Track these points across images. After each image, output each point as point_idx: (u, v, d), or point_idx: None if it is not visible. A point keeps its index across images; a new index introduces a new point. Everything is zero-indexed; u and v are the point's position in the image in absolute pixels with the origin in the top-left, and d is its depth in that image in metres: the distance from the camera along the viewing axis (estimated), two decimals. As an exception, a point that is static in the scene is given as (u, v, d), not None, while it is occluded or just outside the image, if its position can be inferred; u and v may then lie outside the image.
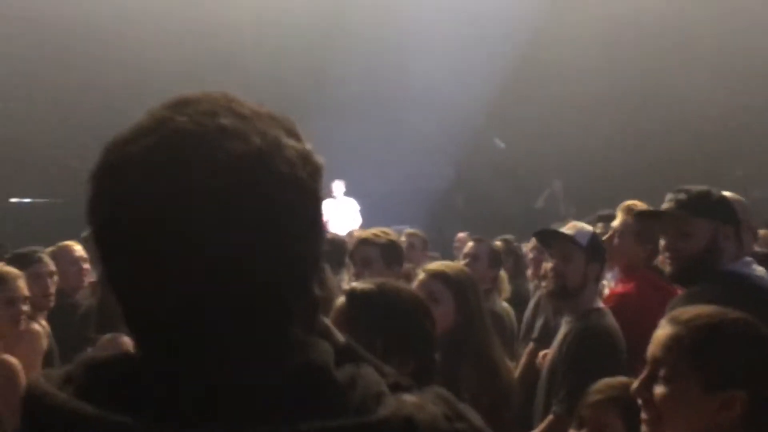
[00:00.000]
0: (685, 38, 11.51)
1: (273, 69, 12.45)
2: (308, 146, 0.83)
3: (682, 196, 2.61)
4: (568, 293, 3.10)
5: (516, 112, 12.83)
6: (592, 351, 2.87)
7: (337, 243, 4.53)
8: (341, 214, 12.19)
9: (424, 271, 2.85)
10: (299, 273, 0.80)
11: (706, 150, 12.17)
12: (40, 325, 3.68)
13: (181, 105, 0.79)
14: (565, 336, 3.02)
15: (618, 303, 3.27)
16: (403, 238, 5.35)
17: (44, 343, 3.61)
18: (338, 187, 12.07)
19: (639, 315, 3.07)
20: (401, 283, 2.06)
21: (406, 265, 3.92)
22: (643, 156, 12.54)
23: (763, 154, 12.06)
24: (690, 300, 2.32)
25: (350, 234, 7.28)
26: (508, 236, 5.78)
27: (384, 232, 3.56)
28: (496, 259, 4.36)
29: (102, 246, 0.79)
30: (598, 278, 3.21)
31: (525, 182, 13.55)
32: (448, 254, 8.16)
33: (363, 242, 3.49)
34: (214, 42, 11.77)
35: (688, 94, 11.75)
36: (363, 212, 12.43)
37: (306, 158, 0.81)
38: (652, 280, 3.41)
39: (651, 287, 3.36)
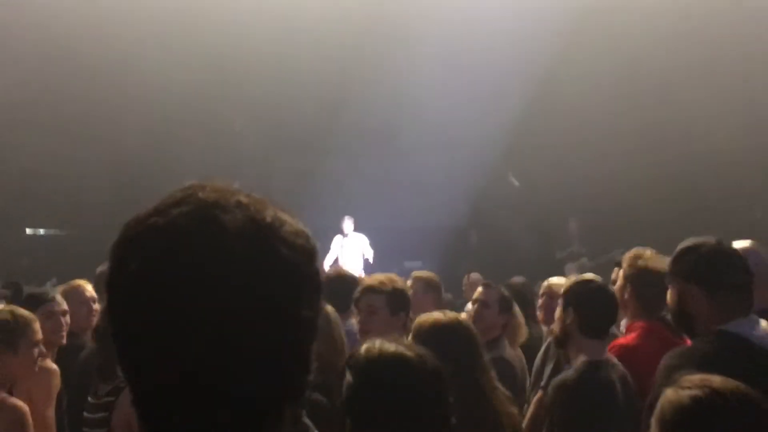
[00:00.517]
0: (705, 72, 11.49)
1: (290, 103, 12.55)
2: (305, 227, 0.91)
3: (676, 250, 2.60)
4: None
5: (531, 150, 12.83)
6: (580, 405, 2.83)
7: (348, 282, 4.43)
8: (352, 250, 12.17)
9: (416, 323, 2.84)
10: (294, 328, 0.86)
11: (725, 188, 12.07)
12: (53, 363, 3.75)
13: (197, 187, 0.88)
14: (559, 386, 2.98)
15: (617, 354, 3.21)
16: (409, 282, 5.29)
17: (58, 382, 3.69)
18: (348, 223, 12.07)
19: (638, 366, 3.05)
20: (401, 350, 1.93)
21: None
22: (661, 195, 12.44)
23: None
24: (680, 358, 2.31)
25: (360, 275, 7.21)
26: (520, 278, 5.67)
27: (390, 279, 3.51)
28: (506, 305, 4.22)
29: (118, 302, 0.84)
30: None
31: (540, 220, 13.48)
32: (460, 290, 8.06)
33: (368, 290, 3.44)
34: (228, 76, 11.87)
35: (706, 130, 11.69)
36: (376, 248, 12.41)
37: (305, 233, 0.91)
38: (656, 330, 3.35)
39: (653, 338, 3.31)
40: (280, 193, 14.66)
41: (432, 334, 2.66)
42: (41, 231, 12.02)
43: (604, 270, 5.33)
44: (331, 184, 13.14)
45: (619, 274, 3.62)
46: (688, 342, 3.28)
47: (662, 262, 3.48)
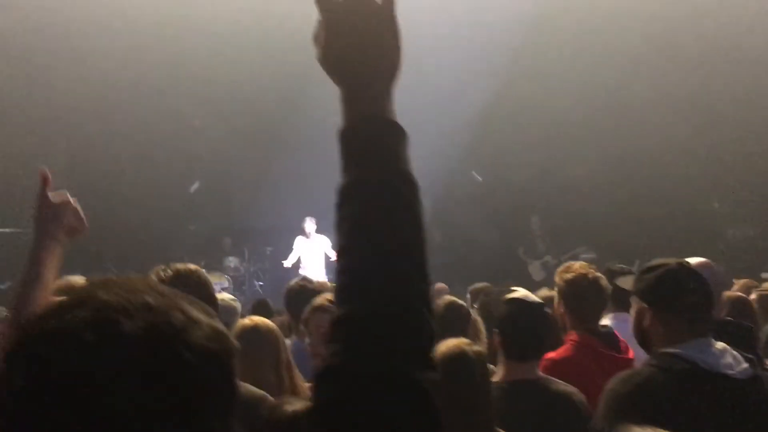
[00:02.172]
0: (663, 72, 11.61)
1: (251, 97, 12.37)
2: (221, 326, 0.84)
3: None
4: None
5: (493, 146, 12.84)
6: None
7: (310, 295, 4.17)
8: (315, 252, 12.04)
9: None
10: None
11: (686, 185, 12.24)
12: None
13: (102, 285, 0.81)
14: None
15: (547, 367, 3.17)
16: None
17: None
18: (310, 224, 11.93)
19: (570, 379, 3.02)
20: None
21: None
22: (624, 192, 12.57)
23: (741, 191, 12.17)
24: (624, 383, 2.30)
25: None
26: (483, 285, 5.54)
27: None
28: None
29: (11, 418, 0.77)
30: None
31: (502, 217, 13.52)
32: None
33: (318, 309, 3.23)
34: (188, 71, 11.66)
35: (669, 129, 11.83)
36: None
37: (220, 333, 0.83)
38: (587, 342, 3.36)
39: (584, 350, 3.32)
40: (240, 192, 14.54)
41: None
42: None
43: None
44: (292, 183, 13.00)
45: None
46: (615, 355, 3.34)
47: (589, 273, 3.53)
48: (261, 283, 14.24)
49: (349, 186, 1.05)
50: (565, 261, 11.71)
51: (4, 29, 10.52)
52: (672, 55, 11.40)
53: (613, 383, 2.35)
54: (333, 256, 11.77)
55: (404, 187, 1.05)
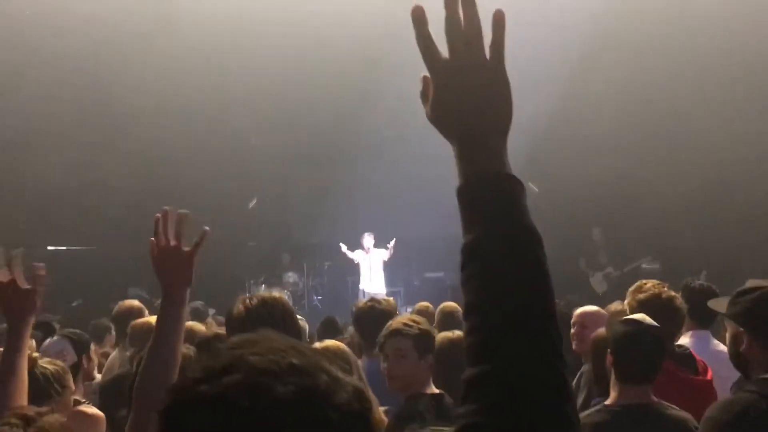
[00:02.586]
0: (713, 80, 11.33)
1: (305, 117, 12.53)
2: (359, 383, 0.86)
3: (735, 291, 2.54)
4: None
5: (553, 157, 12.69)
6: None
7: (381, 316, 4.27)
8: (375, 267, 12.13)
9: None
10: None
11: (754, 192, 11.85)
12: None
13: (246, 346, 0.83)
14: None
15: None
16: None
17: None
18: (368, 239, 12.03)
19: None
20: None
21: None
22: (687, 200, 12.25)
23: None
24: (721, 411, 2.24)
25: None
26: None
27: (414, 321, 3.38)
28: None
29: None
30: None
31: (562, 228, 13.31)
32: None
33: (395, 333, 3.29)
34: (243, 91, 11.89)
35: (734, 137, 11.50)
36: (397, 260, 12.33)
37: (360, 392, 0.84)
38: (665, 366, 3.21)
39: (661, 374, 3.17)
40: (297, 207, 14.72)
41: None
42: (62, 247, 12.09)
43: (631, 280, 5.20)
44: (349, 197, 13.10)
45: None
46: (692, 377, 3.25)
47: (663, 292, 3.48)
48: (320, 297, 14.37)
49: (473, 244, 1.05)
50: (628, 272, 11.55)
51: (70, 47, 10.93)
52: (737, 64, 11.11)
53: (711, 411, 2.29)
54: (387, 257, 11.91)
55: (530, 243, 1.04)
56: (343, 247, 12.11)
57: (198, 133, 12.37)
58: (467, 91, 1.09)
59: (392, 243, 11.88)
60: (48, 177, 11.62)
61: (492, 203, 1.06)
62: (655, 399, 2.86)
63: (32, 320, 2.15)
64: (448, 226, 14.90)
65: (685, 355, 3.41)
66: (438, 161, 12.46)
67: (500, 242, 1.03)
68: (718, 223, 12.12)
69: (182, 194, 12.79)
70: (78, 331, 4.22)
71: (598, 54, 11.10)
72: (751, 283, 2.49)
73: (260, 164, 13.63)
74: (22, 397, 2.08)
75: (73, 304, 11.83)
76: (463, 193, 1.09)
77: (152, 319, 4.27)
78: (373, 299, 5.09)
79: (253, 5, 11.00)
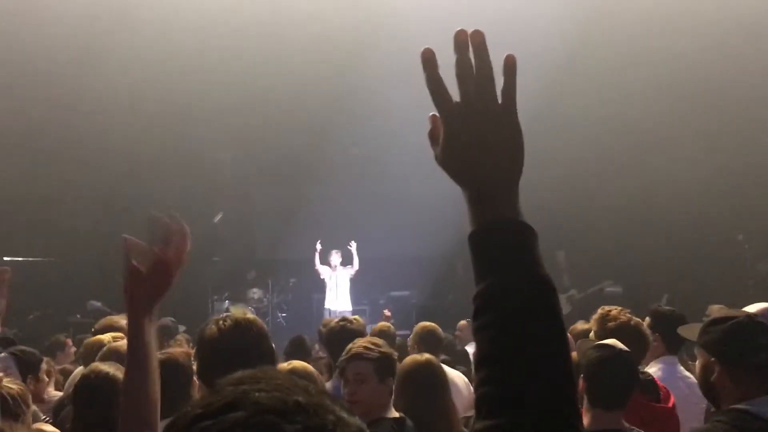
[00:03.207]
0: (691, 106, 11.58)
1: (273, 132, 12.49)
2: (362, 423, 0.83)
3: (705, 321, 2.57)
4: None
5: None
6: None
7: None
8: (342, 284, 12.09)
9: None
10: None
11: (711, 217, 12.09)
12: None
13: (250, 381, 0.80)
14: None
15: None
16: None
17: None
18: (335, 257, 12.00)
19: None
20: None
21: None
22: (647, 225, 12.45)
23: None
24: None
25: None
26: None
27: (374, 344, 3.35)
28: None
29: None
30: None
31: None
32: (447, 322, 7.94)
33: (355, 357, 3.28)
34: (207, 97, 11.80)
35: (693, 161, 11.74)
36: (363, 278, 12.30)
37: (363, 430, 0.82)
38: None
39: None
40: (263, 224, 14.60)
41: None
42: (18, 258, 11.82)
43: (594, 302, 5.26)
44: (316, 215, 13.06)
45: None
46: (655, 404, 3.27)
47: (632, 320, 3.56)
48: (284, 314, 14.25)
49: (487, 293, 1.03)
50: (591, 294, 11.67)
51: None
52: (701, 84, 11.35)
53: None
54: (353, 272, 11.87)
55: (545, 293, 1.02)
56: (318, 247, 12.01)
57: (161, 146, 12.24)
58: (479, 137, 1.08)
59: (353, 245, 11.89)
60: (3, 186, 11.36)
61: (506, 252, 1.04)
62: (626, 425, 2.87)
63: None
64: (414, 245, 14.96)
65: (648, 382, 3.42)
66: (404, 180, 12.55)
67: (514, 293, 1.01)
68: (678, 249, 12.34)
69: (145, 207, 12.63)
70: (29, 349, 4.09)
71: (565, 79, 11.25)
72: (714, 310, 2.52)
73: (227, 179, 13.53)
74: None
75: (30, 317, 11.56)
76: (475, 240, 1.08)
77: (105, 337, 4.20)
78: (344, 318, 5.07)
79: (219, 19, 10.95)
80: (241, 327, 2.36)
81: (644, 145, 12.24)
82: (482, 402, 0.97)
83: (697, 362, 2.53)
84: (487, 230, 1.06)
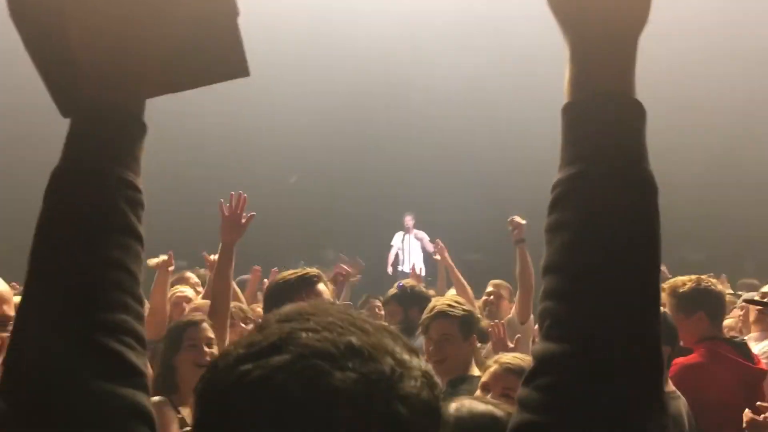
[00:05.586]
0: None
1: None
2: (427, 366, 0.75)
3: None
4: None
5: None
6: None
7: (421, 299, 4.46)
8: (414, 248, 12.05)
9: (498, 363, 2.57)
10: None
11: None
12: None
13: (302, 319, 0.71)
14: None
15: (678, 373, 3.16)
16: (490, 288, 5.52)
17: None
18: (409, 220, 12.01)
19: (700, 384, 3.04)
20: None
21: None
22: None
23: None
24: None
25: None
26: None
27: (457, 302, 3.32)
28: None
29: None
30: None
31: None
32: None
33: (439, 315, 3.22)
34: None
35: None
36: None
37: (429, 377, 0.73)
38: (722, 350, 3.30)
39: (719, 358, 3.25)
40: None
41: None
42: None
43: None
44: (389, 179, 13.07)
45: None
46: (749, 365, 3.27)
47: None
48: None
49: (570, 182, 0.84)
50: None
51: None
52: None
53: None
54: (430, 248, 11.84)
55: (645, 194, 0.82)
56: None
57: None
58: None
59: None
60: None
61: (610, 135, 0.82)
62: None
63: None
64: (484, 208, 14.56)
65: (742, 344, 3.44)
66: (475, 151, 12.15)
67: (607, 188, 0.81)
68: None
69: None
70: None
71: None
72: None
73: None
74: None
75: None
76: (570, 114, 0.86)
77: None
78: (414, 278, 5.19)
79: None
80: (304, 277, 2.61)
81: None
82: (546, 317, 0.82)
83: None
84: (585, 103, 0.84)
